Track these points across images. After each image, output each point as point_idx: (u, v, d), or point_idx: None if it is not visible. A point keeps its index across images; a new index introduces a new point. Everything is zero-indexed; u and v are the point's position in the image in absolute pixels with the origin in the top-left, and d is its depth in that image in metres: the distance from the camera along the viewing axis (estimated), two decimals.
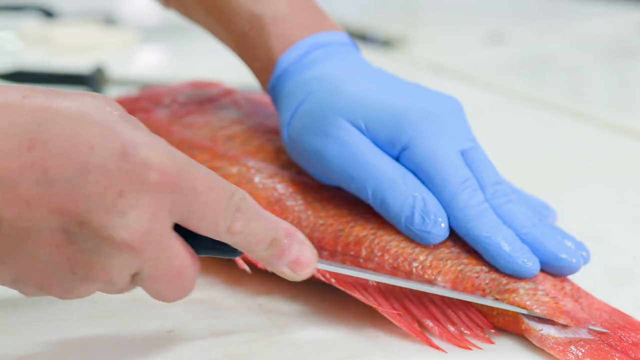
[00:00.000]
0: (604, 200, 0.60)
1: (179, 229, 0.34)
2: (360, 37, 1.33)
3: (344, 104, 0.44)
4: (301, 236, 0.36)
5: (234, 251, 0.36)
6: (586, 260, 0.42)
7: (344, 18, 1.52)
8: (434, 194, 0.42)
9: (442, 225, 0.41)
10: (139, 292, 0.44)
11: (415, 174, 0.42)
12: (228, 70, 1.02)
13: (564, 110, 0.85)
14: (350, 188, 0.43)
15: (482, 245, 0.40)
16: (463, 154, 0.43)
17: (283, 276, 0.37)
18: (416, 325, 0.39)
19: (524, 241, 0.41)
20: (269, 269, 0.36)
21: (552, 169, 0.67)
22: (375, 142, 0.43)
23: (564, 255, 0.41)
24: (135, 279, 0.34)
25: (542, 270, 0.41)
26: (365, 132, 0.43)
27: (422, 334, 0.38)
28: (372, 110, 0.43)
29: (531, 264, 0.40)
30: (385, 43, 1.28)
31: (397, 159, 0.43)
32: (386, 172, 0.42)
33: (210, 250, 0.36)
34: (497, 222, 0.41)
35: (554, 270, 0.41)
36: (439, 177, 0.41)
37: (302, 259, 0.36)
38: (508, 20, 1.57)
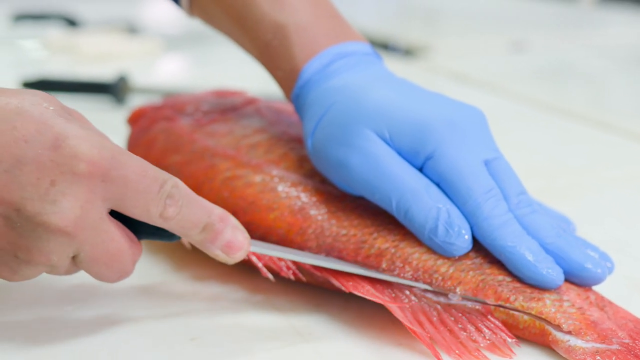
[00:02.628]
0: (624, 208, 0.60)
1: (119, 214, 0.37)
2: (382, 46, 1.34)
3: (368, 114, 0.44)
4: (234, 221, 0.39)
5: (172, 236, 0.39)
6: (610, 270, 0.42)
7: (365, 27, 1.52)
8: (457, 204, 0.42)
9: (466, 237, 0.41)
10: (161, 300, 0.44)
11: (438, 184, 0.43)
12: (250, 78, 1.02)
13: (585, 119, 0.85)
14: (374, 199, 0.43)
15: (506, 255, 0.40)
16: (487, 164, 0.43)
17: (217, 259, 0.39)
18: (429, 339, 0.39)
19: (548, 251, 0.41)
20: (205, 252, 0.39)
21: (573, 177, 0.66)
22: (399, 152, 0.43)
23: (589, 266, 0.41)
24: (75, 262, 0.38)
25: (566, 280, 0.41)
26: (390, 141, 0.43)
27: (432, 348, 0.38)
28: (397, 119, 0.43)
29: (555, 275, 0.40)
30: (406, 52, 1.28)
31: (420, 169, 0.43)
32: (410, 184, 0.42)
33: (151, 235, 0.39)
34: (521, 232, 0.41)
35: (578, 280, 0.41)
36: (463, 187, 0.42)
37: (234, 243, 0.39)
38: (529, 28, 1.57)
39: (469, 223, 0.41)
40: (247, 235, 0.39)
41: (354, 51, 0.49)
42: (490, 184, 0.42)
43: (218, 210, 0.39)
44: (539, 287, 0.40)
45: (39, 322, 0.42)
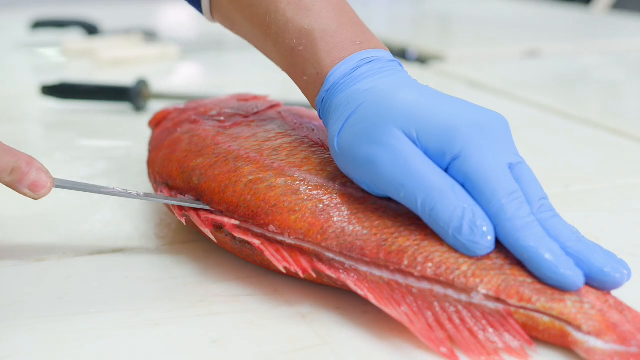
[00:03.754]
0: None
1: None
2: (398, 53, 1.34)
3: (397, 113, 0.45)
4: (39, 164, 0.47)
5: None
6: (628, 277, 0.43)
7: (380, 34, 1.53)
8: (482, 204, 0.42)
9: (489, 237, 0.42)
10: (183, 302, 0.45)
11: (463, 185, 0.43)
12: (266, 84, 1.03)
13: (600, 125, 0.85)
14: (399, 197, 0.44)
15: (528, 255, 0.41)
16: (510, 168, 0.44)
17: (27, 196, 0.47)
18: (446, 344, 0.39)
19: (568, 254, 0.41)
20: (17, 191, 0.47)
21: (589, 184, 0.67)
22: (426, 152, 0.44)
23: (608, 270, 0.41)
24: None
25: (585, 284, 0.41)
26: (417, 141, 0.44)
27: (452, 353, 0.39)
28: (425, 120, 0.44)
29: (576, 276, 0.40)
30: (421, 60, 1.29)
31: (446, 169, 0.44)
32: (437, 183, 0.43)
33: None
34: (543, 234, 0.41)
35: (597, 284, 0.41)
36: (488, 188, 0.42)
37: (39, 182, 0.47)
38: (543, 35, 1.57)
39: (492, 224, 0.42)
40: (50, 175, 0.47)
41: (379, 57, 0.50)
42: (514, 186, 0.43)
43: (24, 156, 0.47)
44: (559, 288, 0.40)
45: (61, 324, 0.43)
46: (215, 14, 0.57)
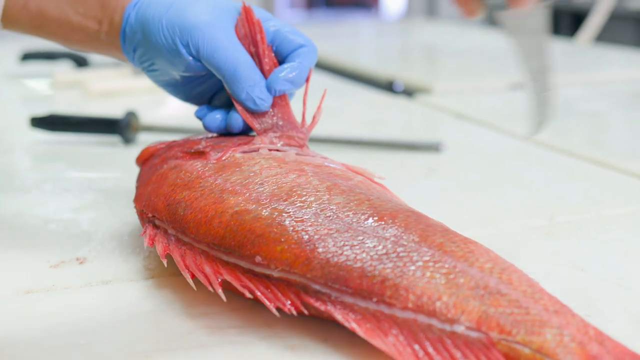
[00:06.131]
0: (625, 245, 0.60)
1: None
2: (385, 86, 1.36)
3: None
4: None
5: None
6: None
7: (368, 67, 1.55)
8: None
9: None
10: (169, 335, 0.45)
11: None
12: None
13: (585, 157, 0.86)
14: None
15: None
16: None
17: None
18: None
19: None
20: None
21: (574, 215, 0.67)
22: None
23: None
24: None
25: (568, 313, 0.42)
26: None
27: None
28: None
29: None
30: (407, 93, 1.30)
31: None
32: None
33: None
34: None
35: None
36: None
37: None
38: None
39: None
40: None
41: None
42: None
43: None
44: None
45: (51, 356, 0.43)
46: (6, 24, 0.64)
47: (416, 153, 0.88)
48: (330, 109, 0.61)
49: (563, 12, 3.88)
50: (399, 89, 1.34)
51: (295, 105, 0.61)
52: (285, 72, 0.59)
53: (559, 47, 1.96)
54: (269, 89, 0.58)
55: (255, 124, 0.59)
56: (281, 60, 0.60)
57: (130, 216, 0.65)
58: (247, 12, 0.59)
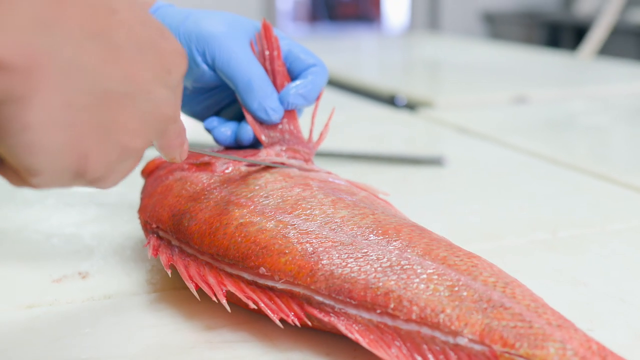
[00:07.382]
0: (628, 260, 0.60)
1: None
2: (388, 100, 1.36)
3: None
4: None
5: None
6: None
7: (371, 82, 1.55)
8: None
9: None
10: (173, 349, 0.45)
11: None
12: None
13: (588, 171, 0.86)
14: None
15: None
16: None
17: (172, 161, 0.48)
18: None
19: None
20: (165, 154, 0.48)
21: (577, 229, 0.67)
22: None
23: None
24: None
25: (570, 327, 0.42)
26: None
27: None
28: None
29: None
30: (410, 107, 1.30)
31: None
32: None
33: None
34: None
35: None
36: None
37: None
38: (530, 82, 1.59)
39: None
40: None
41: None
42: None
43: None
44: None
45: None
46: None
47: (419, 167, 0.89)
48: (332, 123, 0.61)
49: (565, 27, 3.89)
50: (401, 103, 1.34)
51: (303, 122, 0.61)
52: (298, 86, 0.59)
53: (561, 61, 1.97)
54: (281, 101, 0.59)
55: (263, 136, 0.59)
56: (293, 78, 0.61)
57: (132, 231, 0.66)
58: (266, 29, 0.60)
